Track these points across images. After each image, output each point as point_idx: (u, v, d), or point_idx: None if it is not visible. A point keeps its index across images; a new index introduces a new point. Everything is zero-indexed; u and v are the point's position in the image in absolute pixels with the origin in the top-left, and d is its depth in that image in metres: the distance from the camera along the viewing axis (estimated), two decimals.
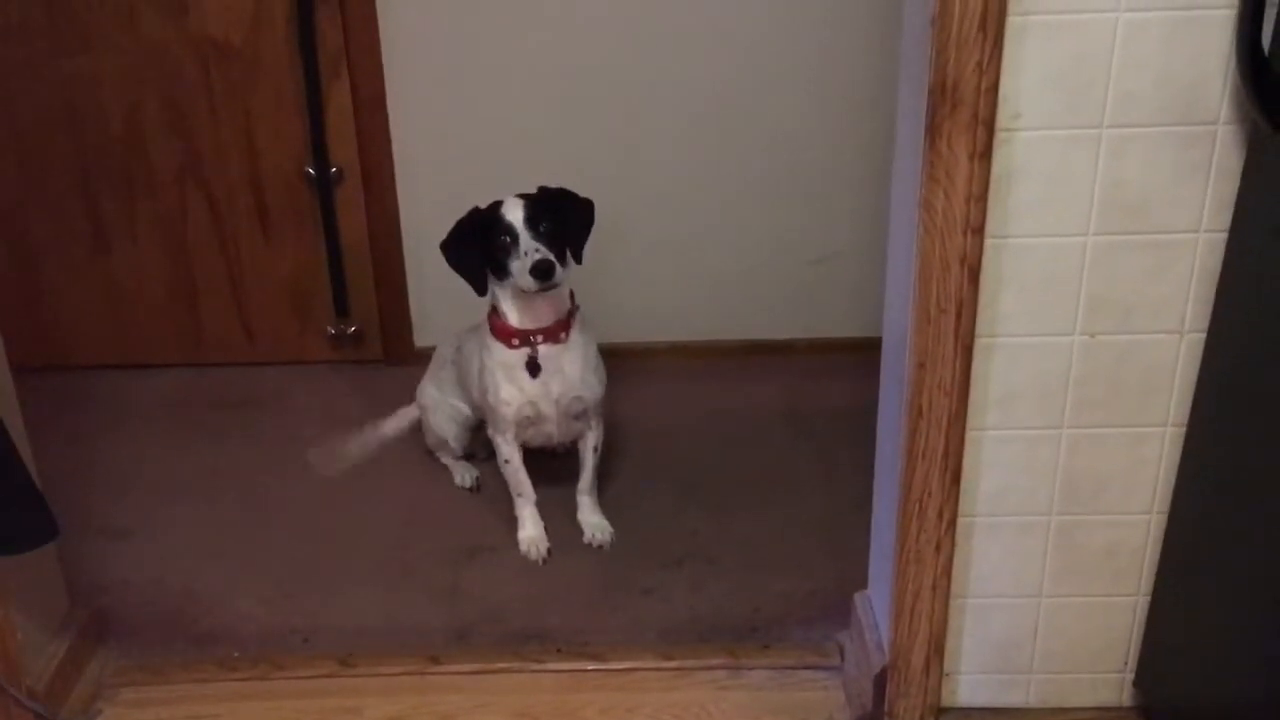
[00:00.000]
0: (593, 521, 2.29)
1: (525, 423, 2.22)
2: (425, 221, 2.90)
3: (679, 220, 2.90)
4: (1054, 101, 1.34)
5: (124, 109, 2.77)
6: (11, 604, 1.71)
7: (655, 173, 2.87)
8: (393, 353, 3.03)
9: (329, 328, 2.99)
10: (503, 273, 2.10)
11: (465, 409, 2.45)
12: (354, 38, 2.71)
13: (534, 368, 2.15)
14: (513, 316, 2.14)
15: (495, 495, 2.44)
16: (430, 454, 2.58)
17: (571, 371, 2.18)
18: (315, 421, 2.78)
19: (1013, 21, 1.30)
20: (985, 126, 1.34)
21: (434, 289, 2.98)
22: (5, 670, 1.71)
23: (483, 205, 2.18)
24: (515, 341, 2.14)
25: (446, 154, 2.85)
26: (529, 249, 2.05)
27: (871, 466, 1.77)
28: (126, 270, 2.93)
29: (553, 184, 2.82)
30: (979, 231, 1.39)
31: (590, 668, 1.95)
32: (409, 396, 2.86)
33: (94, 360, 2.99)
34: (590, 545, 2.27)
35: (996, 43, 1.30)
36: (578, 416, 2.24)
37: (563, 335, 2.15)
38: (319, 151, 2.80)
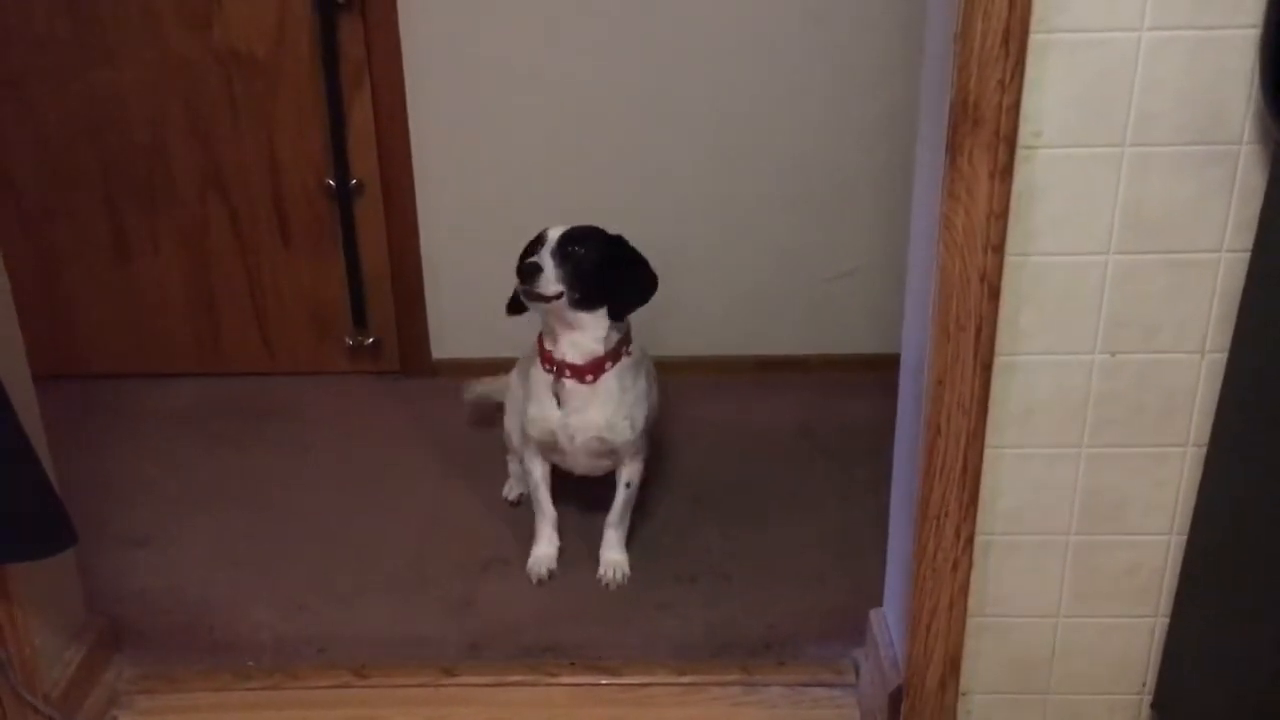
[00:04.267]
0: (609, 558, 2.23)
1: (546, 446, 2.19)
2: (444, 233, 2.92)
3: (697, 235, 2.91)
4: (1076, 120, 1.34)
5: (148, 120, 2.79)
6: (29, 610, 1.72)
7: (674, 188, 2.87)
8: (410, 364, 3.04)
9: (347, 339, 3.00)
10: None
11: None
12: (376, 50, 2.73)
13: (559, 399, 2.12)
14: (545, 341, 2.12)
15: (515, 511, 2.45)
16: (454, 470, 2.58)
17: (596, 414, 2.12)
18: (332, 432, 2.79)
19: (1035, 39, 1.30)
20: (1006, 144, 1.34)
21: (452, 301, 2.99)
22: (22, 676, 1.72)
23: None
24: (547, 366, 2.12)
25: (466, 166, 2.86)
26: (535, 259, 2.02)
27: (888, 483, 1.76)
28: (148, 280, 2.95)
29: (567, 196, 2.85)
30: (999, 249, 1.39)
31: (604, 682, 1.95)
32: (424, 408, 2.89)
33: (114, 369, 3.01)
34: (600, 581, 2.21)
35: (1019, 60, 1.30)
36: (602, 455, 2.19)
37: (589, 377, 2.09)
38: (340, 163, 2.81)
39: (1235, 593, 1.47)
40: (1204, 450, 1.49)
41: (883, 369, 1.90)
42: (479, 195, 2.89)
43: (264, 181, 2.85)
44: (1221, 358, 1.44)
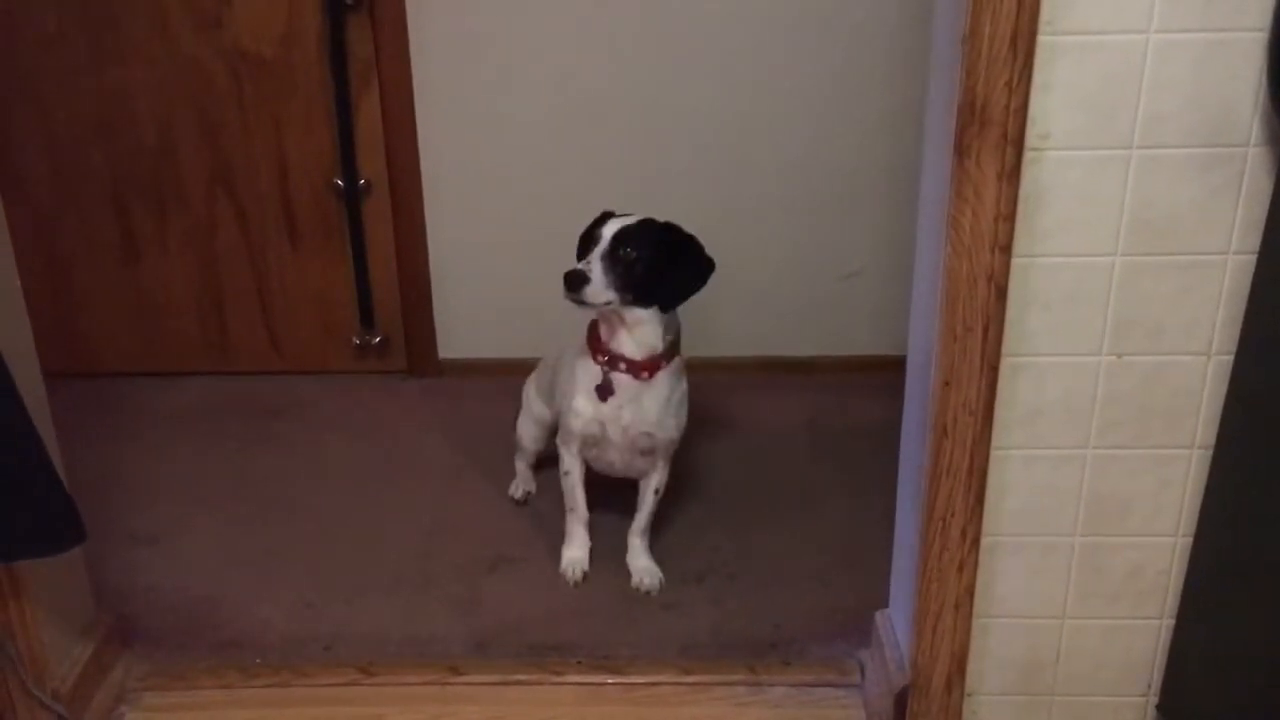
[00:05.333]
0: (642, 565, 2.22)
1: (590, 440, 2.16)
2: (452, 233, 2.93)
3: (702, 236, 2.90)
4: (1083, 121, 1.34)
5: (157, 120, 2.80)
6: (38, 607, 1.73)
7: (679, 188, 2.87)
8: (417, 364, 3.04)
9: (354, 338, 3.01)
10: None
11: (547, 414, 2.37)
12: (384, 51, 2.74)
13: (604, 391, 2.08)
14: (602, 331, 2.08)
15: (521, 510, 2.46)
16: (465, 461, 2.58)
17: (648, 408, 2.10)
18: (339, 431, 2.80)
19: (1043, 41, 1.30)
20: (1014, 145, 1.34)
21: (459, 300, 3.00)
22: (31, 672, 1.73)
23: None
24: (600, 357, 2.08)
25: (474, 166, 2.87)
26: (586, 260, 1.98)
27: (894, 484, 1.77)
28: (156, 279, 2.96)
29: (574, 197, 2.86)
30: (1006, 250, 1.39)
31: (610, 681, 1.95)
32: (431, 407, 2.88)
33: (123, 368, 3.02)
34: (638, 590, 2.19)
35: (1026, 62, 1.30)
36: (644, 452, 2.17)
37: (645, 374, 2.07)
38: (348, 163, 2.82)
39: (1241, 595, 1.47)
40: (1210, 452, 1.49)
41: (889, 370, 1.90)
42: (486, 195, 2.90)
43: (272, 181, 2.86)
44: (1228, 360, 1.44)
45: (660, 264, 2.01)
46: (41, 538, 1.63)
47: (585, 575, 2.23)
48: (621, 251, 1.98)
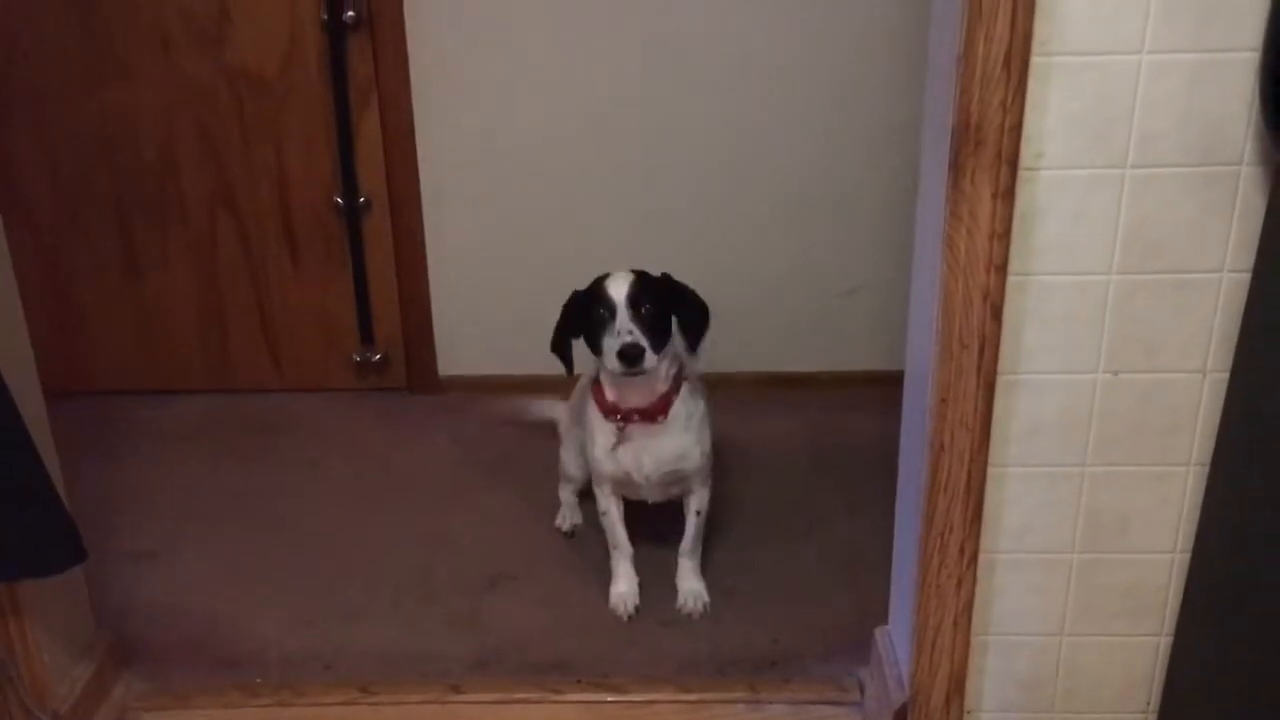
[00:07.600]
0: (687, 588, 2.19)
1: (620, 483, 2.17)
2: (451, 251, 2.94)
3: (701, 252, 2.91)
4: (1077, 141, 1.35)
5: (158, 138, 2.81)
6: (39, 626, 1.73)
7: (679, 204, 2.88)
8: (417, 381, 3.05)
9: (354, 355, 3.01)
10: (597, 349, 2.00)
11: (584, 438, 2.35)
12: (384, 69, 2.75)
13: (620, 443, 2.08)
14: (608, 393, 2.08)
15: (519, 525, 2.46)
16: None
17: (666, 448, 2.09)
18: (340, 448, 2.80)
19: (1036, 62, 1.31)
20: (1008, 165, 1.35)
21: (459, 318, 3.00)
22: (31, 692, 1.73)
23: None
24: (613, 417, 2.07)
25: (473, 184, 2.88)
26: (623, 329, 1.94)
27: (892, 501, 1.77)
28: (157, 296, 2.97)
29: (573, 213, 2.87)
30: (1002, 269, 1.40)
31: (610, 699, 1.95)
32: (431, 425, 2.88)
33: (123, 385, 3.02)
34: (680, 612, 2.17)
35: (1020, 82, 1.31)
36: (675, 484, 2.17)
37: (660, 418, 2.06)
38: (348, 181, 2.83)
39: (1238, 611, 1.47)
40: (1206, 469, 1.50)
41: (887, 386, 1.91)
42: (486, 213, 2.91)
43: (273, 199, 2.87)
44: (1223, 377, 1.44)
45: (669, 310, 2.02)
46: (41, 557, 1.64)
47: (637, 609, 2.19)
48: (643, 310, 1.97)
